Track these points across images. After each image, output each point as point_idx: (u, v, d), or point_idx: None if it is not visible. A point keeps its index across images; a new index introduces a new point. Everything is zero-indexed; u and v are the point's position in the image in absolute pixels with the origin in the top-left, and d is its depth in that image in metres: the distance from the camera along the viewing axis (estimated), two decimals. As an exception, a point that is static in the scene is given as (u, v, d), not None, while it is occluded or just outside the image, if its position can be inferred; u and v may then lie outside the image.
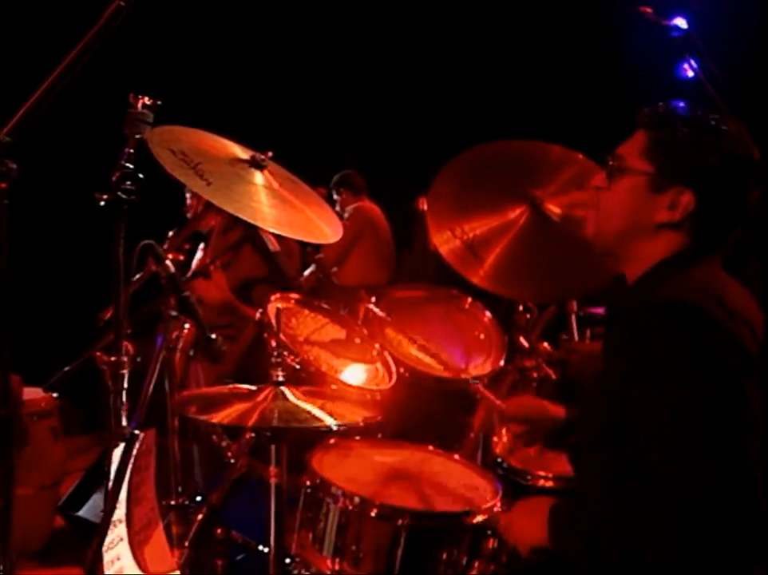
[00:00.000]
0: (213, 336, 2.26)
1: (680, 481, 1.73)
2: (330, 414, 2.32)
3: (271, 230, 2.69)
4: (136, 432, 1.93)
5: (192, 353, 3.25)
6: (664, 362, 1.78)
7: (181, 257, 2.35)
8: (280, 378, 2.40)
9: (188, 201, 4.46)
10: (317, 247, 4.10)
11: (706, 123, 1.96)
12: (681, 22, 3.17)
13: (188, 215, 4.44)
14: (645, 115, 1.99)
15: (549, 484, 2.64)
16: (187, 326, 2.41)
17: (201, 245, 4.29)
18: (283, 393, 2.37)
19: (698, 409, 1.75)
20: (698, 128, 1.95)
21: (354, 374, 2.95)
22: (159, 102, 1.99)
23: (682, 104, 2.00)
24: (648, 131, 1.98)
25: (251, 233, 3.82)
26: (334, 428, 2.30)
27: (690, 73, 3.27)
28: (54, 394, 3.93)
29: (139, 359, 2.12)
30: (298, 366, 2.76)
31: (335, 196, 6.91)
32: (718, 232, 1.97)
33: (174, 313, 2.16)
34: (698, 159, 1.91)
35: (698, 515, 1.71)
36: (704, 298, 1.83)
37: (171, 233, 3.93)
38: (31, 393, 3.84)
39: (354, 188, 6.86)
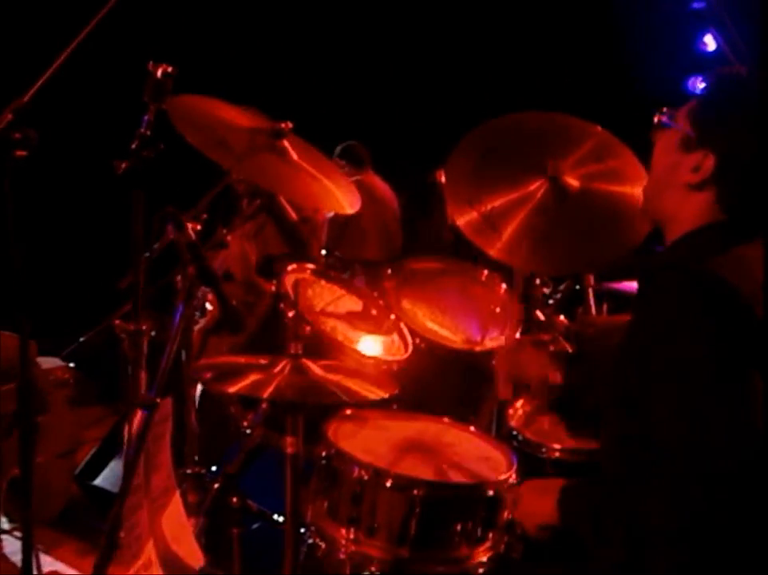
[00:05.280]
0: (234, 303, 2.26)
1: (687, 449, 1.72)
2: (347, 392, 2.33)
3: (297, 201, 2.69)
4: (156, 400, 1.94)
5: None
6: (676, 326, 1.79)
7: (199, 227, 2.34)
8: (298, 351, 2.40)
9: None
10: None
11: (749, 94, 1.95)
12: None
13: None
14: (704, 80, 2.06)
15: (564, 456, 2.63)
16: (209, 306, 2.40)
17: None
18: (300, 367, 2.37)
19: (706, 374, 1.75)
20: (739, 97, 1.95)
21: (370, 345, 2.95)
22: (177, 70, 1.99)
23: (736, 72, 2.00)
24: (700, 94, 2.03)
25: (270, 203, 3.79)
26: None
27: (712, 46, 3.24)
28: (71, 364, 3.95)
29: (154, 333, 2.12)
30: (314, 337, 2.76)
31: None
32: (742, 202, 1.95)
33: (194, 282, 2.16)
34: (729, 127, 1.92)
35: (706, 486, 1.69)
36: (734, 275, 1.82)
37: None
38: (48, 362, 3.86)
39: (356, 161, 6.29)
